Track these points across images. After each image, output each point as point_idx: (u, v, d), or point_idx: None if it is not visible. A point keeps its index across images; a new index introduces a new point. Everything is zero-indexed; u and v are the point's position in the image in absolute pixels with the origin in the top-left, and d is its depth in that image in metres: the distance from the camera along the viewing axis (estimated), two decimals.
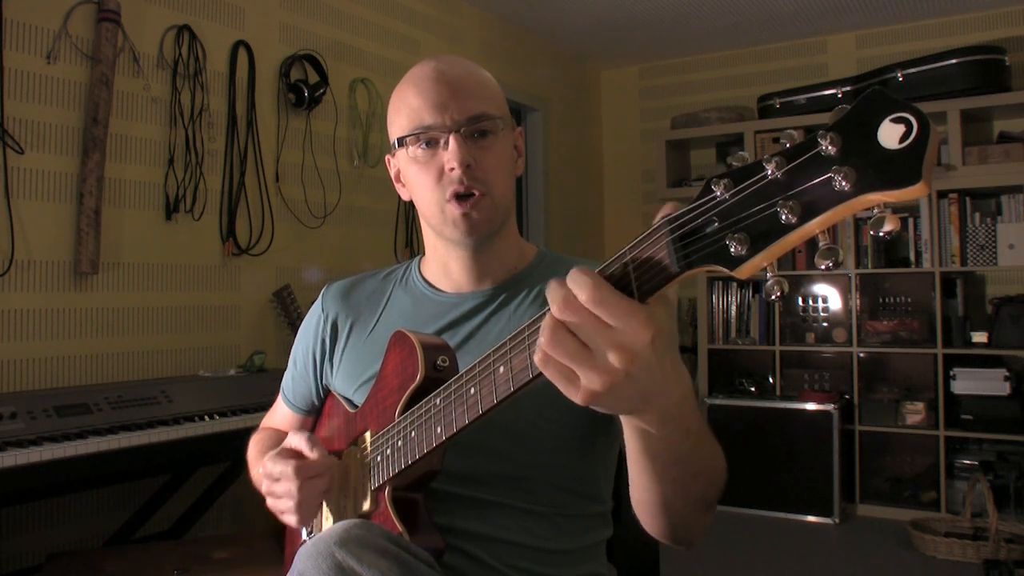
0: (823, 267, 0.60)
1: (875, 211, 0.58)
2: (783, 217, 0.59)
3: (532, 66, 4.61)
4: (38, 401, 2.00)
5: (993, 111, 4.04)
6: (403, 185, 1.18)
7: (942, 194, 3.94)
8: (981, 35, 4.21)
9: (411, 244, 3.61)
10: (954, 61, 3.91)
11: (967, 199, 3.92)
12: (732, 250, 0.62)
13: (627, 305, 0.65)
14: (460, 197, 1.07)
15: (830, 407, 3.89)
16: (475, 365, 0.86)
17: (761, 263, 0.62)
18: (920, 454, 3.98)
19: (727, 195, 0.63)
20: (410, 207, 3.60)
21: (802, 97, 4.36)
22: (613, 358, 0.65)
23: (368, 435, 1.07)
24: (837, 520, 3.84)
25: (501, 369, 0.82)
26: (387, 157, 1.19)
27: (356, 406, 1.15)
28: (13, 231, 2.23)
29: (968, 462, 3.84)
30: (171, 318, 2.65)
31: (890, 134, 0.55)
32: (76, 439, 1.89)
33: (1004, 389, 3.71)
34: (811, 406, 3.95)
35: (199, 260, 2.75)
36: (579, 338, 0.66)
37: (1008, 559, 3.15)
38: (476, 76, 1.12)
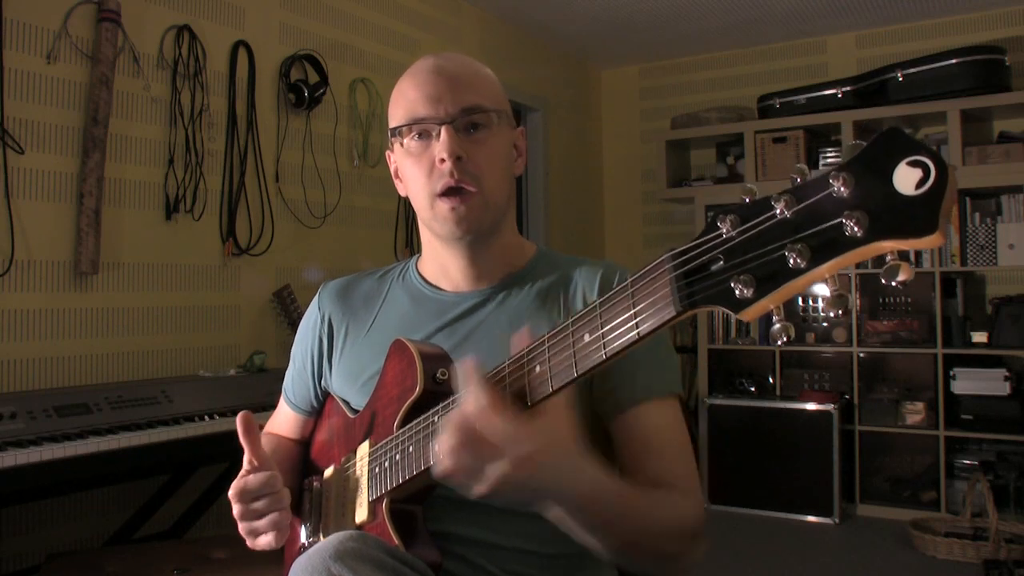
0: (831, 314, 0.58)
1: (888, 258, 0.55)
2: (791, 261, 0.57)
3: (532, 66, 4.61)
4: (38, 401, 2.00)
5: (993, 111, 4.04)
6: (400, 181, 1.17)
7: None
8: (981, 35, 4.21)
9: (411, 244, 3.61)
10: (954, 61, 3.91)
11: (967, 199, 3.92)
12: (737, 292, 0.60)
13: (505, 431, 0.75)
14: (450, 192, 1.05)
15: (830, 407, 3.89)
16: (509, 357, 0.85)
17: (766, 307, 0.60)
18: (920, 454, 3.98)
19: (734, 232, 0.61)
20: (409, 207, 3.61)
21: (802, 97, 4.36)
22: (493, 471, 0.76)
23: (367, 445, 1.06)
24: (837, 520, 3.84)
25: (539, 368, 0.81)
26: (387, 153, 1.18)
27: (355, 410, 1.15)
28: (13, 231, 2.23)
29: (968, 462, 3.84)
30: (171, 318, 2.65)
31: (906, 178, 0.52)
32: (76, 439, 1.89)
33: (1004, 389, 3.71)
34: (811, 406, 3.95)
35: (199, 260, 2.75)
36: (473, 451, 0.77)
37: (1008, 559, 3.15)
38: (473, 70, 1.11)
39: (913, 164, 0.53)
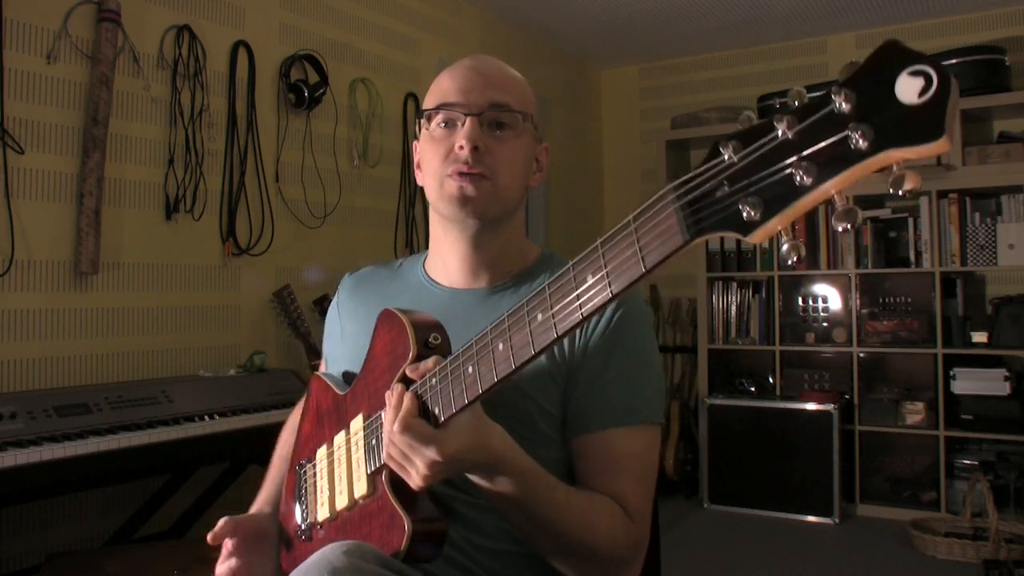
0: (841, 229, 0.57)
1: (894, 169, 0.55)
2: (798, 179, 0.57)
3: (532, 66, 4.60)
4: (38, 401, 2.00)
5: (993, 111, 4.04)
6: (420, 171, 1.18)
7: (942, 194, 3.94)
8: (981, 35, 4.21)
9: (411, 244, 3.61)
10: (954, 61, 3.91)
11: (967, 199, 3.92)
12: (745, 215, 0.60)
13: (424, 437, 0.86)
14: (461, 176, 1.07)
15: (830, 407, 3.89)
16: (472, 343, 0.85)
17: (776, 227, 0.60)
18: (920, 454, 3.98)
19: (736, 157, 0.61)
20: (410, 207, 3.61)
21: None
22: (417, 470, 0.88)
23: (360, 419, 1.04)
24: (837, 520, 3.84)
25: (500, 347, 0.81)
26: (414, 143, 1.20)
27: (346, 387, 1.13)
28: (13, 231, 2.23)
29: (968, 462, 3.84)
30: (171, 318, 2.65)
31: (908, 88, 0.53)
32: (76, 439, 1.89)
33: (1004, 389, 3.71)
34: (811, 406, 3.95)
35: (199, 260, 2.75)
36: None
37: (1008, 559, 3.15)
38: (509, 73, 1.15)
39: (914, 74, 0.53)
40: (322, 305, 2.93)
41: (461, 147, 1.06)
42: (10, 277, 2.23)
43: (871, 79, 0.55)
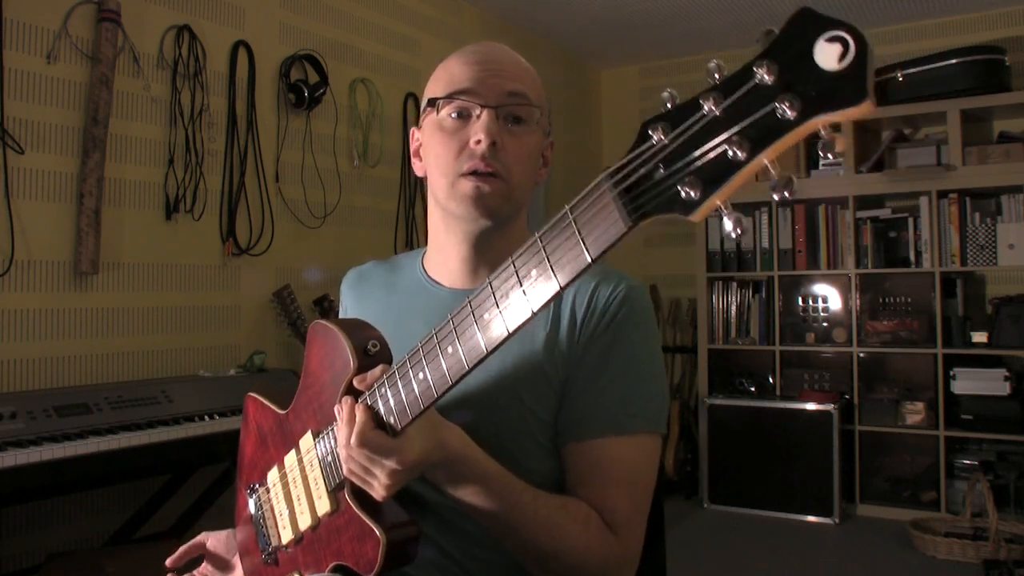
0: (777, 198, 0.59)
1: (822, 133, 0.56)
2: (731, 154, 0.58)
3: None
4: (38, 401, 2.00)
5: (993, 111, 4.04)
6: (420, 160, 1.12)
7: (942, 194, 3.94)
8: (981, 35, 4.21)
9: (411, 244, 3.61)
10: (954, 61, 3.91)
11: (967, 199, 3.92)
12: (684, 195, 0.61)
13: (383, 449, 0.84)
14: (476, 175, 1.01)
15: (830, 407, 3.89)
16: (418, 348, 0.83)
17: (715, 204, 0.61)
18: (920, 454, 3.98)
19: (666, 139, 0.62)
20: (410, 207, 3.61)
21: None
22: (379, 481, 0.86)
23: (309, 436, 1.00)
24: (837, 520, 3.84)
25: (450, 349, 0.79)
26: (412, 130, 1.14)
27: (284, 406, 1.10)
28: (13, 231, 2.23)
29: (968, 462, 3.84)
30: (171, 318, 2.65)
31: (828, 54, 0.54)
32: (76, 439, 1.90)
33: (1004, 389, 3.71)
34: (811, 406, 3.95)
35: (199, 260, 2.75)
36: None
37: (1008, 559, 3.15)
38: (523, 64, 1.11)
39: (831, 40, 0.54)
40: (322, 305, 2.93)
41: (478, 141, 1.00)
42: (10, 277, 2.23)
43: (790, 49, 0.56)
